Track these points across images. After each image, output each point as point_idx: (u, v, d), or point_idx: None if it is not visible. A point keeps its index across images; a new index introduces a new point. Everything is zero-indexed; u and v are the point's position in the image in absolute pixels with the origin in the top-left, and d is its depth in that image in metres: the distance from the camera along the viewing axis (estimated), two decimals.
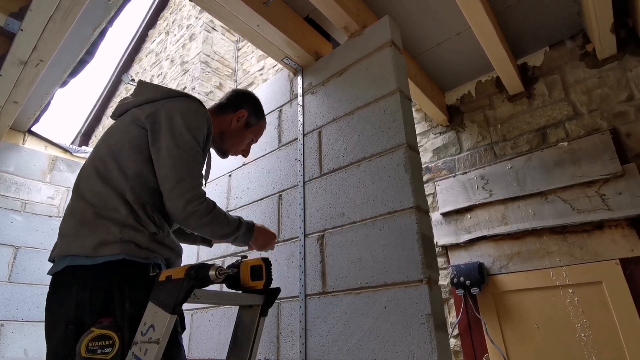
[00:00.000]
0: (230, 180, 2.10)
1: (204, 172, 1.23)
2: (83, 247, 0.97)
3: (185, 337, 1.77)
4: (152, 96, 1.18)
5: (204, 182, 1.23)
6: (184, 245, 1.26)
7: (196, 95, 3.89)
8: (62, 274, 0.98)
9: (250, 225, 1.25)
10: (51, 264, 1.04)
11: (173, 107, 1.12)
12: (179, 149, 1.06)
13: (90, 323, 0.90)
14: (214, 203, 1.12)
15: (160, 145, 1.06)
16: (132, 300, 0.94)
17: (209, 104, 1.69)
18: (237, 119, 1.37)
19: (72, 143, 7.46)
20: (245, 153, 1.46)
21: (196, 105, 1.18)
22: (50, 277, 1.02)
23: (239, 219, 1.22)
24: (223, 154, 1.43)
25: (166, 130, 1.07)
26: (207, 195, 1.11)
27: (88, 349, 0.84)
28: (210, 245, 1.57)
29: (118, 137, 1.11)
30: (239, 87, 4.38)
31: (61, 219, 2.75)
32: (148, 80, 5.68)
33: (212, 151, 1.40)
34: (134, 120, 1.12)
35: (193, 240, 1.52)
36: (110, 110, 7.40)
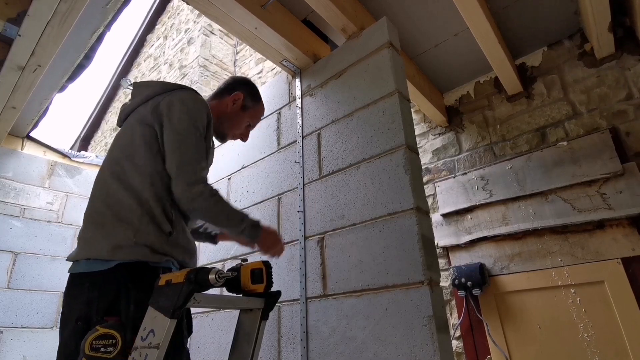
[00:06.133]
0: (230, 184, 2.10)
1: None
2: (100, 250, 1.01)
3: None
4: (152, 92, 1.21)
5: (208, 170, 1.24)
6: None
7: None
8: (78, 273, 1.03)
9: (256, 222, 1.20)
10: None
11: (172, 98, 1.16)
12: (180, 135, 1.10)
13: (96, 321, 0.92)
14: (217, 190, 1.13)
15: (165, 135, 1.10)
16: (138, 302, 0.96)
17: None
18: (232, 101, 1.39)
19: (72, 148, 7.47)
20: (243, 137, 1.47)
21: (194, 94, 1.20)
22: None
23: (244, 212, 1.21)
24: (222, 138, 1.44)
25: (168, 120, 1.12)
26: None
27: (92, 347, 0.86)
28: (215, 242, 1.52)
29: (129, 139, 1.14)
30: None
31: (60, 224, 2.77)
32: None
33: (214, 147, 1.40)
34: (140, 120, 1.15)
35: (198, 236, 1.48)
36: (109, 114, 7.40)
